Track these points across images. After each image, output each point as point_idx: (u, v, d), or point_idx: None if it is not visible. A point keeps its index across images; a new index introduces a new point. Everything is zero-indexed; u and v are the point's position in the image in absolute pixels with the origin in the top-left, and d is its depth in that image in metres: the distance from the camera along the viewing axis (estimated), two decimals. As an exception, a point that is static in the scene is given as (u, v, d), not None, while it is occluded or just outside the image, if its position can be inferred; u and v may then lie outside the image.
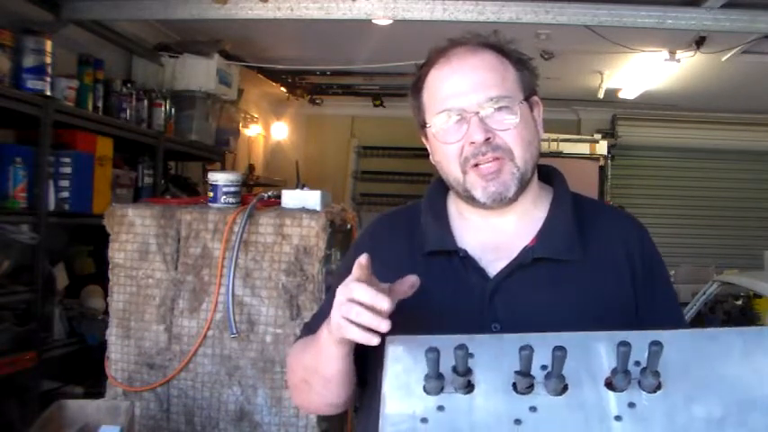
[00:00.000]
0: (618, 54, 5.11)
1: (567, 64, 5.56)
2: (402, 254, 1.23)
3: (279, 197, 2.52)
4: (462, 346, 0.92)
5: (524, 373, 0.92)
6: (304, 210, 2.40)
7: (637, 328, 1.05)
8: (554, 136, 7.10)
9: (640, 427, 0.90)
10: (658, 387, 0.92)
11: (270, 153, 7.68)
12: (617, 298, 1.17)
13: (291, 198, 2.48)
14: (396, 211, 1.37)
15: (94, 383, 3.09)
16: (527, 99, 1.21)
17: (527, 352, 0.91)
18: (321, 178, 6.49)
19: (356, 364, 1.13)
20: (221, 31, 4.73)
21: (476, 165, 1.17)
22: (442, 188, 1.29)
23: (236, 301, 2.35)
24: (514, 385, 0.94)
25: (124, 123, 4.02)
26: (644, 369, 0.91)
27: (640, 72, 5.70)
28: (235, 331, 2.32)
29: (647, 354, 0.90)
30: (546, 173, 1.30)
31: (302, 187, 2.53)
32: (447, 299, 1.15)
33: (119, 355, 2.45)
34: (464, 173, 1.18)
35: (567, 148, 7.21)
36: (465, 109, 1.16)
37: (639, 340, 0.92)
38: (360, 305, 0.97)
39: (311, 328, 1.21)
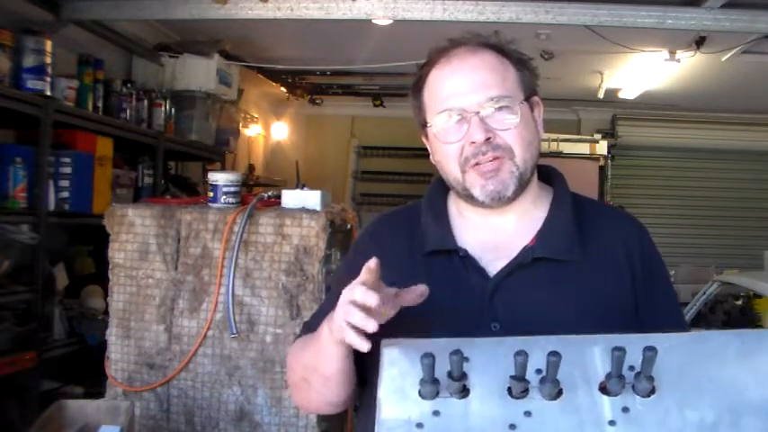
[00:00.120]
0: (618, 54, 5.11)
1: (567, 64, 5.57)
2: (402, 254, 1.23)
3: (279, 197, 2.52)
4: (457, 352, 0.92)
5: (519, 378, 0.92)
6: (304, 210, 2.40)
7: (637, 328, 1.06)
8: (554, 136, 7.10)
9: None
10: (652, 391, 0.92)
11: (270, 153, 7.68)
12: (617, 298, 1.17)
13: (291, 198, 2.48)
14: (396, 211, 1.37)
15: (94, 383, 3.09)
16: (527, 99, 1.21)
17: (522, 358, 0.91)
18: (321, 178, 6.49)
19: (356, 364, 1.13)
20: (221, 31, 4.73)
21: (476, 164, 1.17)
22: (442, 188, 1.30)
23: (236, 301, 2.36)
24: (509, 390, 0.94)
25: (124, 123, 4.02)
26: (638, 374, 0.92)
27: (640, 72, 5.70)
28: (235, 331, 2.32)
29: (641, 358, 0.90)
30: (546, 173, 1.30)
31: (302, 187, 2.53)
32: (447, 298, 1.15)
33: (119, 355, 2.45)
34: (464, 172, 1.18)
35: (567, 148, 7.21)
36: (465, 109, 1.17)
37: (634, 344, 0.92)
38: (356, 307, 0.97)
39: (311, 327, 1.21)
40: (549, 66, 5.32)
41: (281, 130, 7.69)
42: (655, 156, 8.02)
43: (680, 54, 4.96)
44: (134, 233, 2.45)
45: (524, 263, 1.16)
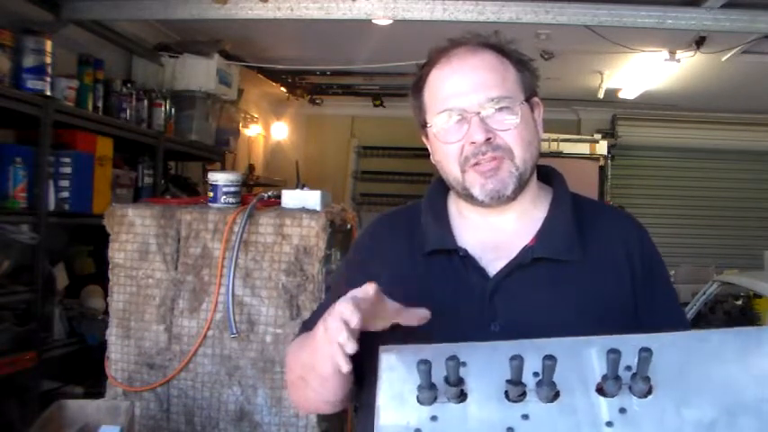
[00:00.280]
0: (618, 54, 5.11)
1: (567, 64, 5.57)
2: (402, 253, 1.23)
3: (279, 197, 2.52)
4: (453, 357, 0.92)
5: (515, 381, 0.93)
6: (304, 210, 2.40)
7: (636, 328, 1.06)
8: (554, 136, 7.10)
9: None
10: (649, 392, 0.92)
11: (270, 153, 7.68)
12: (616, 298, 1.17)
13: (291, 198, 2.48)
14: (396, 211, 1.37)
15: (94, 383, 3.09)
16: (527, 100, 1.22)
17: (517, 362, 0.91)
18: (321, 178, 6.49)
19: (353, 363, 1.13)
20: (221, 31, 4.73)
21: (476, 164, 1.17)
22: (442, 188, 1.30)
23: (236, 301, 2.36)
24: (506, 393, 0.94)
25: (124, 123, 4.02)
26: (634, 374, 0.92)
27: (640, 72, 5.70)
28: (235, 331, 2.32)
29: (637, 359, 0.90)
30: (545, 173, 1.30)
31: (302, 187, 2.53)
32: (447, 298, 1.15)
33: (119, 355, 2.45)
34: (464, 172, 1.18)
35: (567, 148, 7.21)
36: (466, 109, 1.17)
37: (630, 345, 0.92)
38: (343, 323, 0.96)
39: (309, 326, 1.21)
40: (549, 66, 5.32)
41: (281, 130, 7.70)
42: (655, 156, 8.02)
43: (680, 54, 4.96)
44: (134, 233, 2.45)
45: (524, 263, 1.16)
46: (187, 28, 4.75)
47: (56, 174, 3.38)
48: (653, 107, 7.28)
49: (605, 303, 1.15)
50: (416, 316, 1.04)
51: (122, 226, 2.46)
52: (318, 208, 2.42)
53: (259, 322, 2.36)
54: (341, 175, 8.01)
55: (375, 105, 7.30)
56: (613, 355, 0.90)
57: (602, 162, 7.38)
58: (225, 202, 2.47)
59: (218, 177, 2.49)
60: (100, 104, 3.83)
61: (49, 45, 3.30)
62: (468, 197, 1.20)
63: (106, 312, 2.53)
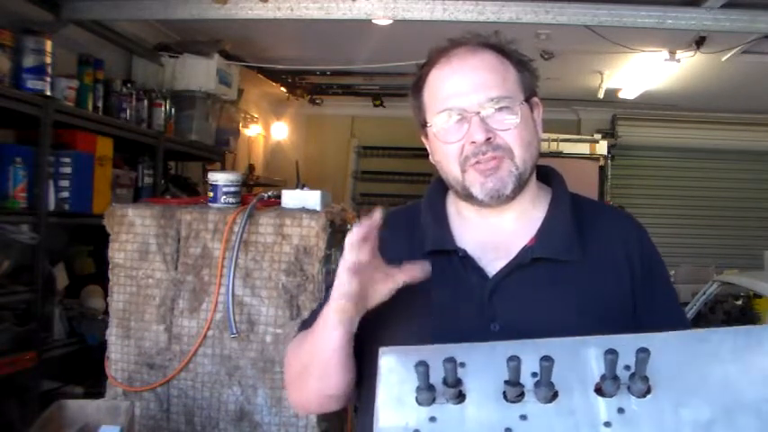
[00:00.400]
0: (618, 54, 5.11)
1: (567, 64, 5.57)
2: (402, 254, 1.22)
3: (279, 197, 2.52)
4: (451, 359, 0.93)
5: (513, 382, 0.93)
6: (304, 210, 2.40)
7: (636, 328, 1.06)
8: (554, 136, 7.11)
9: None
10: (648, 391, 0.92)
11: (270, 153, 7.68)
12: (616, 298, 1.17)
13: (291, 198, 2.48)
14: (395, 211, 1.37)
15: (94, 383, 3.09)
16: (527, 100, 1.22)
17: (515, 363, 0.91)
18: (321, 178, 6.49)
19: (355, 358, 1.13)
20: (221, 31, 4.74)
21: (476, 163, 1.17)
22: (441, 188, 1.30)
23: (236, 301, 2.36)
24: (505, 394, 0.94)
25: (124, 123, 4.03)
26: (633, 374, 0.92)
27: (640, 72, 5.71)
28: (235, 331, 2.33)
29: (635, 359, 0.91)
30: (544, 173, 1.30)
31: (302, 187, 2.53)
32: (447, 298, 1.15)
33: (119, 355, 2.45)
34: (464, 171, 1.18)
35: (567, 148, 7.21)
36: (466, 109, 1.17)
37: (629, 345, 0.92)
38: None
39: (307, 325, 1.21)
40: (549, 66, 5.32)
41: (281, 130, 7.70)
42: (655, 156, 8.02)
43: (680, 54, 4.97)
44: (134, 233, 2.45)
45: (523, 263, 1.16)
46: (187, 28, 4.75)
47: (56, 174, 3.38)
48: (653, 107, 7.29)
49: (605, 303, 1.15)
50: (416, 270, 1.06)
51: (122, 226, 2.46)
52: (318, 208, 2.42)
53: (259, 322, 2.36)
54: (341, 175, 8.01)
55: (375, 105, 7.30)
56: (610, 355, 0.90)
57: (602, 162, 7.38)
58: (225, 202, 2.47)
59: (218, 177, 2.49)
60: (100, 104, 3.83)
61: (49, 45, 3.30)
62: (468, 197, 1.20)
63: (106, 312, 2.53)
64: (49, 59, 3.29)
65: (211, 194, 2.49)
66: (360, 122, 8.19)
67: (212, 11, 3.75)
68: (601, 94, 6.32)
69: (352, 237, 1.01)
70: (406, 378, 0.97)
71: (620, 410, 0.91)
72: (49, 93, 3.29)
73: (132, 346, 2.44)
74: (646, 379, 0.91)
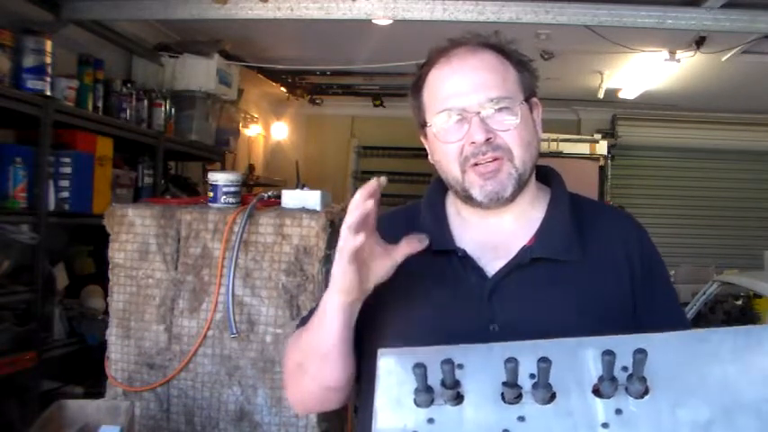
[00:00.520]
0: (618, 54, 5.11)
1: (567, 64, 5.57)
2: (401, 254, 1.23)
3: (279, 197, 2.52)
4: (448, 361, 0.93)
5: (511, 384, 0.93)
6: (304, 210, 2.40)
7: (636, 328, 1.06)
8: (554, 136, 7.10)
9: None
10: (645, 392, 0.92)
11: (270, 153, 7.68)
12: (616, 298, 1.17)
13: (291, 198, 2.48)
14: (395, 212, 1.37)
15: (94, 383, 3.09)
16: (527, 100, 1.21)
17: (512, 364, 0.91)
18: (321, 178, 6.49)
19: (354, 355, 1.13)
20: (221, 31, 4.74)
21: (475, 164, 1.17)
22: (441, 188, 1.30)
23: (236, 301, 2.36)
24: (503, 395, 0.94)
25: (124, 123, 4.03)
26: (630, 375, 0.92)
27: (640, 72, 5.71)
28: (235, 331, 2.33)
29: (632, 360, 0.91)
30: (544, 173, 1.30)
31: (302, 187, 2.53)
32: (446, 298, 1.15)
33: (119, 355, 2.45)
34: (463, 172, 1.18)
35: (567, 148, 7.21)
36: (466, 109, 1.17)
37: (627, 346, 0.92)
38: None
39: (306, 323, 1.21)
40: (549, 66, 5.32)
41: (281, 130, 7.70)
42: (655, 156, 8.02)
43: (680, 54, 4.97)
44: (134, 233, 2.45)
45: (523, 263, 1.16)
46: (187, 28, 4.75)
47: (56, 174, 3.38)
48: (653, 107, 7.29)
49: (605, 303, 1.15)
50: (414, 242, 1.08)
51: (122, 226, 2.46)
52: (318, 208, 2.42)
53: (259, 322, 2.36)
54: (341, 175, 8.01)
55: (375, 105, 7.30)
56: (608, 356, 0.90)
57: (602, 162, 7.38)
58: (225, 202, 2.47)
59: (218, 177, 2.49)
60: (100, 104, 3.83)
61: (49, 45, 3.30)
62: (468, 198, 1.20)
63: (106, 312, 2.53)
64: (49, 59, 3.29)
65: (211, 194, 2.49)
66: (360, 122, 8.19)
67: (212, 11, 3.75)
68: (601, 94, 6.32)
69: (357, 197, 1.02)
70: (405, 380, 0.97)
71: (618, 411, 0.91)
72: (49, 93, 3.29)
73: (132, 346, 2.44)
74: (643, 380, 0.91)
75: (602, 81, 6.17)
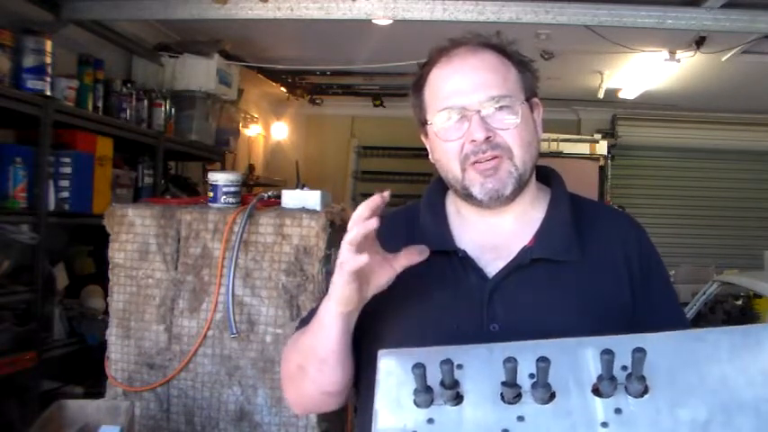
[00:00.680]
0: (618, 54, 5.11)
1: (567, 64, 5.57)
2: (402, 254, 1.23)
3: (279, 197, 2.52)
4: (448, 361, 0.93)
5: (510, 383, 0.93)
6: (304, 210, 2.40)
7: (636, 328, 1.06)
8: (554, 136, 7.10)
9: None
10: (645, 391, 0.92)
11: (270, 153, 7.68)
12: (615, 298, 1.17)
13: (291, 198, 2.48)
14: (395, 212, 1.37)
15: (94, 383, 3.09)
16: (528, 100, 1.22)
17: (511, 364, 0.91)
18: (321, 178, 6.49)
19: (353, 356, 1.13)
20: (221, 31, 4.74)
21: (475, 162, 1.17)
22: (440, 188, 1.30)
23: (236, 301, 2.36)
24: (502, 395, 0.94)
25: (124, 123, 4.03)
26: (629, 374, 0.92)
27: (640, 72, 5.71)
28: (235, 331, 2.33)
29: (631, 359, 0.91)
30: (544, 174, 1.30)
31: (302, 187, 2.53)
32: (446, 299, 1.15)
33: (119, 355, 2.45)
34: (463, 170, 1.18)
35: (567, 148, 7.21)
36: (466, 107, 1.17)
37: (626, 345, 0.92)
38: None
39: (306, 323, 1.21)
40: (549, 66, 5.33)
41: (281, 130, 7.70)
42: (655, 156, 8.02)
43: (680, 54, 4.97)
44: (134, 233, 2.45)
45: (523, 263, 1.16)
46: (187, 28, 4.75)
47: (56, 174, 3.38)
48: (653, 107, 7.29)
49: (604, 303, 1.15)
50: (414, 253, 1.07)
51: (122, 226, 2.46)
52: (318, 208, 2.42)
53: (259, 322, 2.36)
54: (341, 175, 8.01)
55: (375, 105, 7.30)
56: (607, 356, 0.90)
57: (602, 162, 7.38)
58: (225, 202, 2.47)
59: (218, 177, 2.49)
60: (100, 104, 3.83)
61: (49, 45, 3.30)
62: (468, 197, 1.20)
63: (106, 312, 2.53)
64: (49, 59, 3.29)
65: (211, 194, 2.49)
66: (360, 122, 8.19)
67: (212, 11, 3.75)
68: (601, 94, 6.32)
69: (359, 211, 1.01)
70: (405, 380, 0.97)
71: (618, 411, 0.91)
72: (49, 93, 3.29)
73: (132, 346, 2.44)
74: (643, 379, 0.91)
75: (602, 81, 6.17)
